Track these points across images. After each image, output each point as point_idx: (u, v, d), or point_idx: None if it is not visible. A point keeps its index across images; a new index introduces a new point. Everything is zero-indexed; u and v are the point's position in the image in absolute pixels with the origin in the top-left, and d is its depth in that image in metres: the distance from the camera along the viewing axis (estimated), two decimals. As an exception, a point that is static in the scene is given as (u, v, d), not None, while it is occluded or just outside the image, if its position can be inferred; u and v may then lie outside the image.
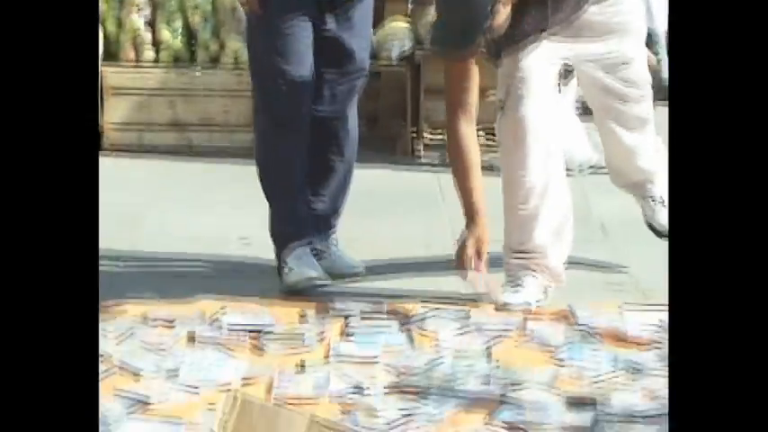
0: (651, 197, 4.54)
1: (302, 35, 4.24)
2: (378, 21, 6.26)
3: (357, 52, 4.35)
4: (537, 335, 3.86)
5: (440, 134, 6.07)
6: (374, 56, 6.09)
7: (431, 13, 6.06)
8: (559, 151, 4.25)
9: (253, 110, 4.81)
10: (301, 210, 4.36)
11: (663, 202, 4.49)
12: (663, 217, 4.46)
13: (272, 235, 4.40)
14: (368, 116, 5.97)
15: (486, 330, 3.87)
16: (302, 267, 4.27)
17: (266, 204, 4.41)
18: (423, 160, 6.17)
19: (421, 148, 6.23)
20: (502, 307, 4.07)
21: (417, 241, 4.89)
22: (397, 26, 6.26)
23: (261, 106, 4.40)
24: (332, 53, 4.31)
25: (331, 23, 4.27)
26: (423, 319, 3.93)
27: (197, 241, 4.84)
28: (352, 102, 4.44)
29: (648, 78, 4.36)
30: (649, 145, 4.45)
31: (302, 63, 4.25)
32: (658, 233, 4.52)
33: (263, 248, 4.49)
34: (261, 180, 4.40)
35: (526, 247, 4.18)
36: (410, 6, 6.42)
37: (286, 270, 4.29)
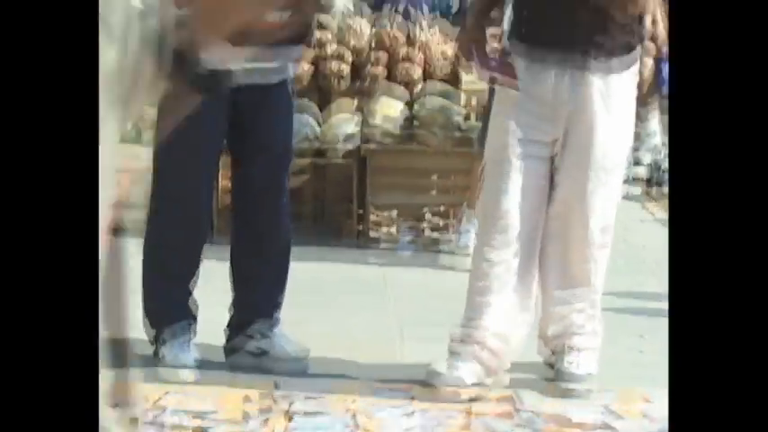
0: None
1: (213, 117, 4.11)
2: (325, 116, 6.33)
3: (278, 135, 4.34)
4: (482, 421, 3.86)
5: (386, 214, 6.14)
6: (320, 151, 6.17)
7: (378, 102, 6.15)
8: (536, 238, 4.24)
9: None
10: (182, 293, 4.29)
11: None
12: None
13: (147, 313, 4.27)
14: (314, 205, 6.00)
15: (430, 417, 3.86)
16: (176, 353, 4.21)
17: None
18: (371, 236, 6.15)
19: (368, 227, 6.21)
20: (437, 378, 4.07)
21: (361, 332, 4.85)
22: (344, 119, 6.32)
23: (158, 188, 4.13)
24: (249, 138, 4.29)
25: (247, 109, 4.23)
26: (366, 408, 3.91)
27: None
28: (280, 190, 4.39)
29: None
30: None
31: (210, 147, 4.25)
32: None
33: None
34: (144, 255, 4.25)
35: (471, 324, 4.16)
36: (355, 102, 6.46)
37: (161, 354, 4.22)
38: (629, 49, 4.27)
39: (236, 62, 3.80)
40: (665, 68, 7.70)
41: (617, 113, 4.23)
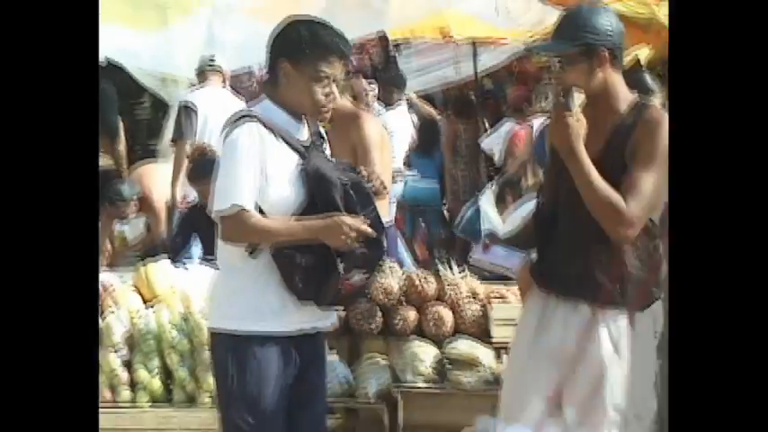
0: None
1: (276, 365, 4.25)
2: (355, 358, 6.32)
3: (323, 388, 4.42)
4: None
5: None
6: (351, 393, 6.11)
7: (409, 348, 6.13)
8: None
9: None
10: None
11: None
12: None
13: None
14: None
15: None
16: None
17: None
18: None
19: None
20: None
21: None
22: (375, 363, 6.29)
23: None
24: (300, 388, 4.32)
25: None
26: None
27: None
28: None
29: None
30: None
31: (274, 393, 4.24)
32: None
33: None
34: None
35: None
36: (387, 343, 6.45)
37: None
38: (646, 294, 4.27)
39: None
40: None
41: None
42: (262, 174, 4.18)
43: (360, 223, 4.14)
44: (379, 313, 6.29)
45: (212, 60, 10.11)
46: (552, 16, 15.26)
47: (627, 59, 14.90)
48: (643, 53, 15.82)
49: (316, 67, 4.23)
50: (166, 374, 6.27)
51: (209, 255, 7.00)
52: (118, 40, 12.03)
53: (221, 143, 4.31)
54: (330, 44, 4.24)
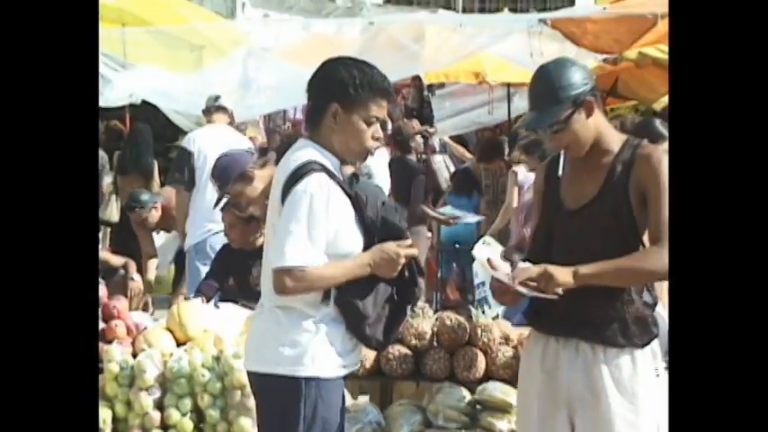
0: None
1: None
2: (386, 401, 6.30)
3: None
4: None
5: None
6: (383, 437, 6.08)
7: (441, 393, 6.10)
8: None
9: None
10: None
11: None
12: None
13: None
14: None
15: None
16: None
17: None
18: None
19: None
20: None
21: None
22: (406, 406, 6.26)
23: None
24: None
25: None
26: None
27: None
28: None
29: None
30: None
31: None
32: None
33: None
34: None
35: None
36: (419, 386, 6.44)
37: None
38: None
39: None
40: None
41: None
42: (330, 226, 4.16)
43: (402, 247, 4.16)
44: (411, 356, 6.27)
45: (217, 99, 10.25)
46: (587, 61, 15.35)
47: (660, 103, 14.96)
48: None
49: (368, 111, 4.21)
50: (198, 416, 6.27)
51: (242, 295, 7.01)
52: (154, 82, 12.16)
53: (278, 190, 4.25)
54: (380, 86, 4.24)
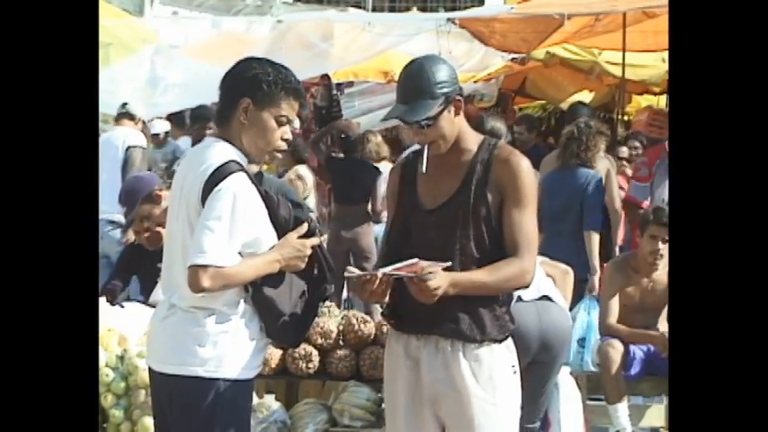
0: None
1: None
2: (292, 401, 6.28)
3: None
4: None
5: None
6: (288, 436, 6.07)
7: (347, 391, 6.11)
8: None
9: None
10: None
11: None
12: None
13: None
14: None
15: None
16: None
17: None
18: None
19: None
20: None
21: None
22: (312, 405, 6.25)
23: None
24: None
25: None
26: None
27: None
28: None
29: None
30: None
31: None
32: None
33: None
34: None
35: None
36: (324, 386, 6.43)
37: None
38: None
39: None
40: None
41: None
42: (250, 227, 4.13)
43: (306, 239, 4.16)
44: (317, 355, 6.26)
45: (125, 106, 10.69)
46: (495, 60, 15.45)
47: (567, 103, 15.08)
48: (585, 97, 16.02)
49: (279, 109, 4.18)
50: (101, 415, 6.19)
51: (146, 294, 6.94)
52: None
53: (196, 187, 4.18)
54: (294, 86, 4.21)
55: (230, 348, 4.15)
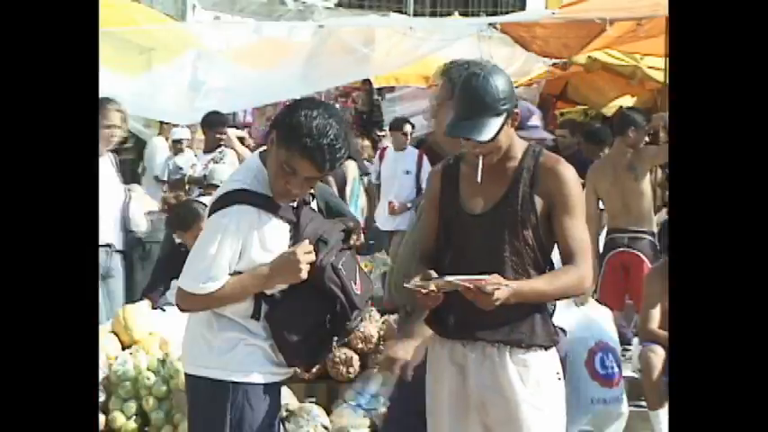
0: None
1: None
2: (333, 405, 6.29)
3: None
4: None
5: None
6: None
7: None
8: None
9: None
10: None
11: None
12: None
13: None
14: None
15: None
16: None
17: None
18: None
19: None
20: None
21: None
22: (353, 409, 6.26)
23: None
24: None
25: None
26: None
27: None
28: None
29: None
30: None
31: None
32: None
33: None
34: None
35: None
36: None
37: None
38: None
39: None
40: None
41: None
42: (260, 256, 4.12)
43: (303, 248, 4.12)
44: (357, 360, 6.26)
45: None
46: (536, 65, 15.40)
47: (609, 108, 15.01)
48: (626, 102, 15.95)
49: (293, 162, 4.08)
50: (143, 419, 6.23)
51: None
52: (102, 84, 12.05)
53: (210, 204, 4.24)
54: (306, 147, 4.06)
55: (241, 354, 4.17)
